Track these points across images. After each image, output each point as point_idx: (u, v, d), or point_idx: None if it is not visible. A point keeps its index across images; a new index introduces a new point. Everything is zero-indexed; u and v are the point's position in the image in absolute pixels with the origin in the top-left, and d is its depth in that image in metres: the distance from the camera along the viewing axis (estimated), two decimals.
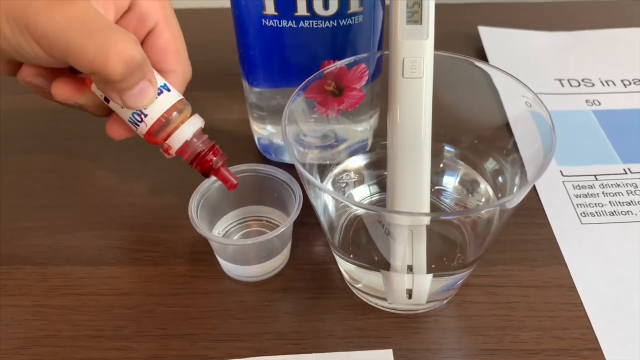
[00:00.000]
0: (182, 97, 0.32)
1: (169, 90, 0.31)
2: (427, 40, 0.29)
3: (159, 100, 0.30)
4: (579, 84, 0.52)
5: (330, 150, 0.41)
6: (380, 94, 0.41)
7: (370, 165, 0.40)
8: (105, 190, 0.43)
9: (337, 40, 0.37)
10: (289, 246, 0.37)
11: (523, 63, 0.54)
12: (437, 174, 0.38)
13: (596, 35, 0.58)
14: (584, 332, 0.34)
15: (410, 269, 0.32)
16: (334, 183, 0.39)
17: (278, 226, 0.35)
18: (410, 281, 0.32)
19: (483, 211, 0.35)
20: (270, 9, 0.35)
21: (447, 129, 0.36)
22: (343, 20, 0.36)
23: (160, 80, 0.31)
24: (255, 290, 0.36)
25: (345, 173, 0.39)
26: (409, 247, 0.31)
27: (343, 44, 0.37)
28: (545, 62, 0.54)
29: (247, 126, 0.45)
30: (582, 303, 0.35)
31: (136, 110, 0.30)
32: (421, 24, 0.29)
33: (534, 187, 0.42)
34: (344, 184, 0.39)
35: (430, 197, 0.32)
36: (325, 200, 0.34)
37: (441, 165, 0.38)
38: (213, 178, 0.34)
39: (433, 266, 0.32)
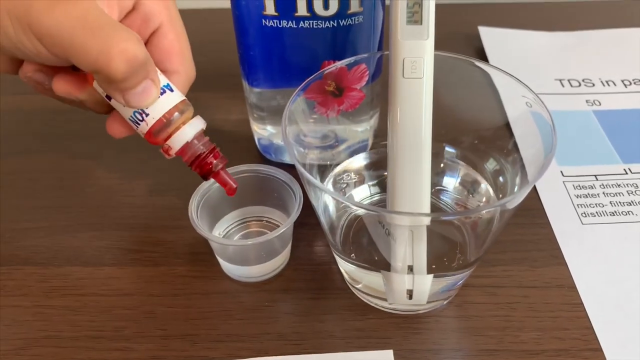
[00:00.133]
0: (184, 97, 0.32)
1: (171, 90, 0.31)
2: (427, 41, 0.29)
3: (161, 100, 0.30)
4: (580, 84, 0.52)
5: (331, 150, 0.41)
6: (380, 94, 0.41)
7: (370, 166, 0.40)
8: (106, 190, 0.43)
9: (337, 40, 0.37)
10: (289, 247, 0.37)
11: (523, 63, 0.54)
12: (437, 174, 0.38)
13: (596, 35, 0.58)
14: (585, 332, 0.34)
15: (410, 269, 0.32)
16: (334, 183, 0.38)
17: (278, 227, 0.35)
18: (410, 282, 0.32)
19: (483, 211, 0.35)
20: (270, 9, 0.35)
21: (447, 129, 0.36)
22: (343, 21, 0.36)
23: (163, 80, 0.31)
24: (255, 290, 0.36)
25: (346, 173, 0.39)
26: (409, 248, 0.31)
27: (343, 44, 0.37)
28: (546, 62, 0.54)
29: (247, 126, 0.45)
30: (582, 303, 0.35)
31: (138, 109, 0.30)
32: (421, 24, 0.29)
33: (535, 187, 0.42)
34: (345, 185, 0.39)
35: (431, 197, 0.32)
36: (326, 201, 0.34)
37: (441, 165, 0.38)
38: None
39: (433, 266, 0.32)
